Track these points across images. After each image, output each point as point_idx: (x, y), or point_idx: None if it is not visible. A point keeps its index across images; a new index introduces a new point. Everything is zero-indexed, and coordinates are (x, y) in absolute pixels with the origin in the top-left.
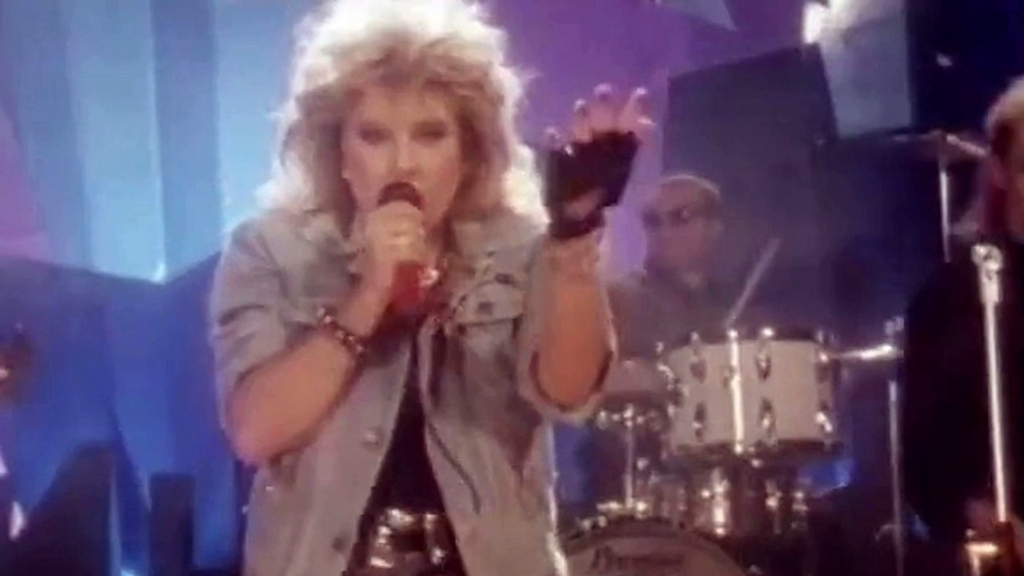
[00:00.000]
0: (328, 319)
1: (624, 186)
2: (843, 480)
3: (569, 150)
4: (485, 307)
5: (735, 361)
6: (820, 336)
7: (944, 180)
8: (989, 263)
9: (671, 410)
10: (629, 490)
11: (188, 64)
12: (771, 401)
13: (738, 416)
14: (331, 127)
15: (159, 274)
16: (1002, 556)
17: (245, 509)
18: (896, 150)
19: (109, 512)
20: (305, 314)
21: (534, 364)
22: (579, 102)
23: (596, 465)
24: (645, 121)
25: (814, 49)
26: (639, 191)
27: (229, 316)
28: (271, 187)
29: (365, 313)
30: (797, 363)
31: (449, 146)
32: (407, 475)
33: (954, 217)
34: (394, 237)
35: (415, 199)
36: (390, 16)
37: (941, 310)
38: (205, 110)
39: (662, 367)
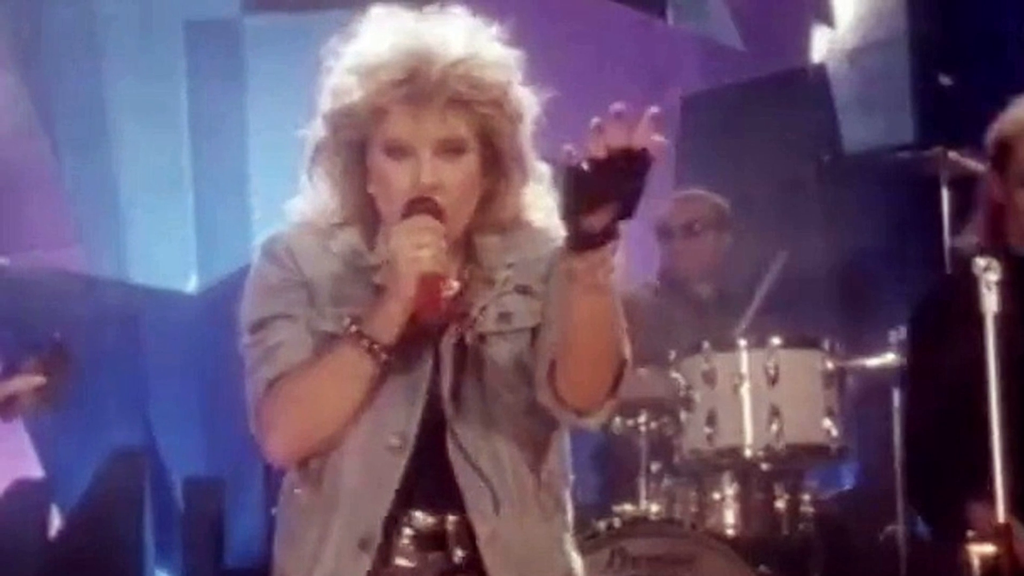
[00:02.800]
0: (354, 328)
1: (638, 200)
2: (848, 483)
3: (585, 166)
4: (504, 317)
5: (745, 368)
6: (826, 344)
7: (945, 195)
8: (989, 274)
9: (683, 416)
10: (643, 492)
11: (219, 83)
12: (779, 407)
13: (747, 421)
14: (356, 144)
15: (191, 285)
16: (1001, 556)
17: (274, 511)
18: (899, 166)
19: (143, 514)
20: (332, 323)
21: (551, 371)
22: (595, 120)
23: (611, 468)
24: (658, 138)
25: (820, 69)
26: (652, 205)
27: (259, 325)
28: (299, 201)
29: (389, 322)
30: (804, 370)
31: (470, 162)
32: (430, 478)
33: (955, 230)
34: (417, 249)
35: (437, 213)
36: (413, 37)
37: (942, 320)
38: (235, 127)
39: (674, 374)
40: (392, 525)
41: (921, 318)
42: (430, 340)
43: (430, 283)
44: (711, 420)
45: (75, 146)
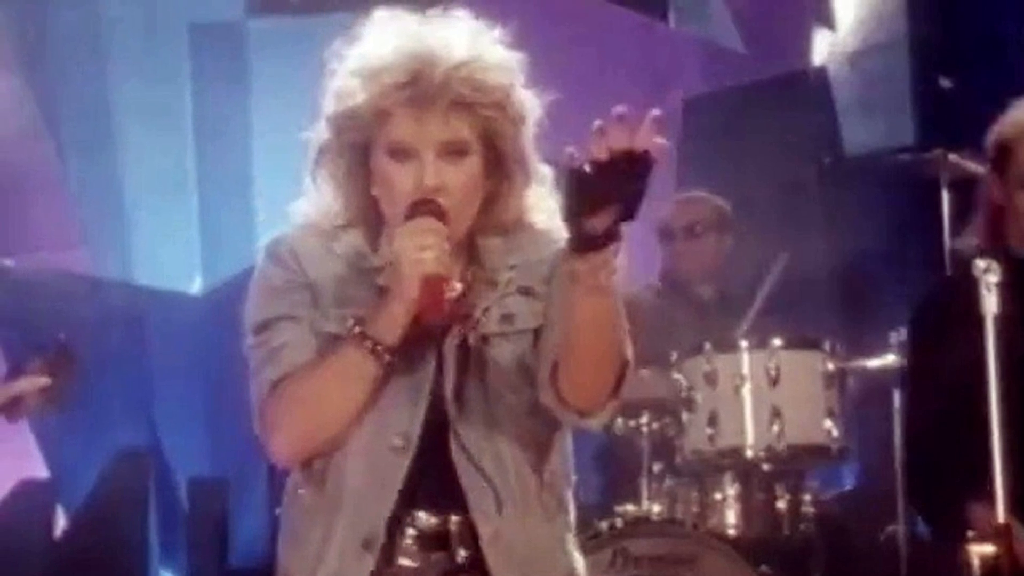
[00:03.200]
0: (357, 329)
1: (640, 202)
2: (849, 483)
3: (587, 168)
4: (507, 318)
5: (746, 369)
6: (827, 346)
7: (946, 197)
8: (989, 276)
9: (685, 416)
10: (645, 493)
11: (223, 86)
12: (780, 408)
13: (749, 422)
14: (360, 146)
15: (196, 287)
16: (1001, 556)
17: (278, 511)
18: (900, 168)
19: (148, 514)
20: (335, 325)
21: (554, 372)
22: (597, 122)
23: (613, 469)
24: (660, 140)
25: (821, 72)
26: (654, 207)
27: (263, 327)
28: (303, 203)
29: (393, 323)
30: (805, 371)
31: (473, 164)
32: (433, 478)
33: (955, 232)
34: (420, 251)
35: (440, 215)
36: (416, 40)
37: (943, 321)
38: (240, 130)
39: (676, 375)
40: (395, 525)
41: (921, 319)
42: (433, 341)
43: (433, 284)
44: (712, 421)
45: (80, 148)
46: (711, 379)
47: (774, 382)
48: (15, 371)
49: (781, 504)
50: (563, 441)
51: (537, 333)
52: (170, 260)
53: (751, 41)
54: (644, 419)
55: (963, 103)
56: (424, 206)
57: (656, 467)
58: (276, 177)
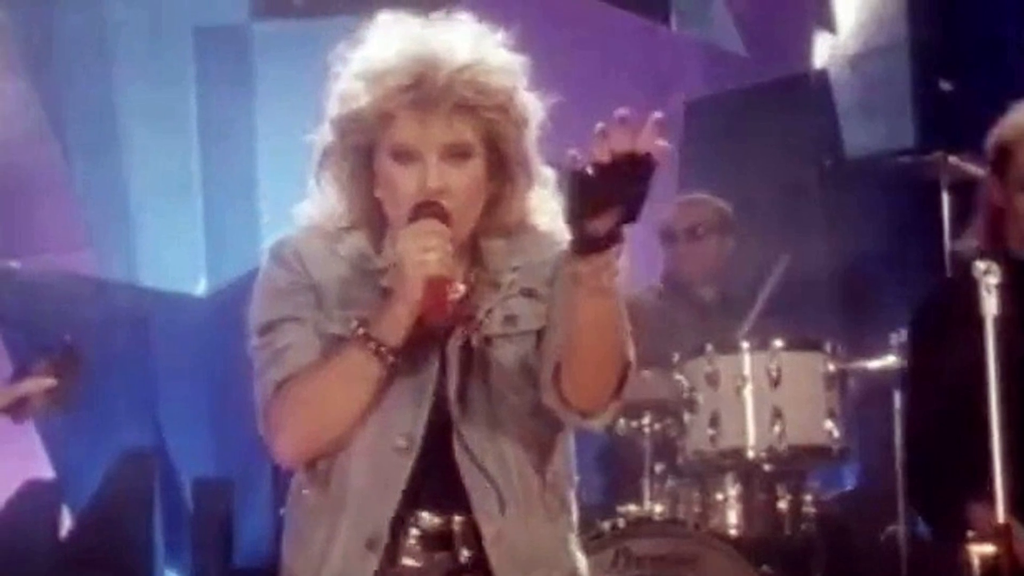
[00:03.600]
0: (361, 331)
1: (642, 204)
2: (850, 483)
3: (590, 170)
4: (510, 319)
5: (747, 371)
6: (828, 347)
7: (946, 199)
8: (989, 277)
9: (686, 417)
10: (647, 493)
11: (228, 89)
12: (781, 408)
13: (750, 423)
14: (364, 148)
15: (201, 288)
16: (1001, 556)
17: (282, 511)
18: (900, 170)
19: (153, 514)
20: (339, 326)
21: (556, 373)
22: (599, 125)
23: (615, 469)
24: (662, 143)
25: (822, 74)
26: (656, 209)
27: (267, 328)
28: (307, 205)
29: (396, 325)
30: (806, 372)
31: (476, 167)
32: (436, 479)
33: (955, 234)
34: (424, 253)
35: (444, 217)
36: (420, 43)
37: (943, 322)
38: (244, 132)
39: (678, 376)
40: (399, 525)
41: (922, 321)
42: (436, 342)
43: (436, 286)
44: (714, 421)
45: (85, 151)
46: (713, 380)
47: (775, 383)
48: (21, 372)
49: (782, 504)
50: (565, 442)
51: (540, 334)
52: (175, 262)
53: (752, 44)
54: (646, 420)
55: (963, 106)
56: (427, 208)
57: (658, 467)
58: (280, 179)
